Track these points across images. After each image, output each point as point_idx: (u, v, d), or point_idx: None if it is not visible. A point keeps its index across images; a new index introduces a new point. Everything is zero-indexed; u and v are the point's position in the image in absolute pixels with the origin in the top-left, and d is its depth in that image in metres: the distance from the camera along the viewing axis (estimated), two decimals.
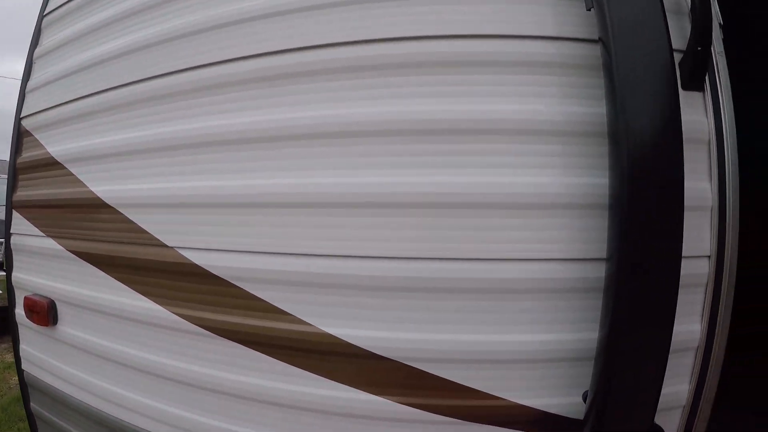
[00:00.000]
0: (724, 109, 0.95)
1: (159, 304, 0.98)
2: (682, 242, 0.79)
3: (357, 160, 0.84)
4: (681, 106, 0.93)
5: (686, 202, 0.90)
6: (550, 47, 0.91)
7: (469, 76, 0.88)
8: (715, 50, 0.97)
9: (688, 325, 0.93)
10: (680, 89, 0.94)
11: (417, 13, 0.87)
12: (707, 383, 0.95)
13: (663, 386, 0.93)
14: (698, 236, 0.92)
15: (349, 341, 0.84)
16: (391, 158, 0.85)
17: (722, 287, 0.92)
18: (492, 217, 0.86)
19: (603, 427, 0.79)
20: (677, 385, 0.95)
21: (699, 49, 0.91)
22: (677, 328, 0.92)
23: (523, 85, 0.89)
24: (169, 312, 0.96)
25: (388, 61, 0.85)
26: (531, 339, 0.86)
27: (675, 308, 0.80)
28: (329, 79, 0.84)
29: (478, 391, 0.84)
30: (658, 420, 0.94)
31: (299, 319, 0.86)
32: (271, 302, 0.87)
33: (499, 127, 0.87)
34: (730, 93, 0.96)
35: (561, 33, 0.91)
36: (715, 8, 1.01)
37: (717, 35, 0.98)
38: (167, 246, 0.96)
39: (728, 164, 0.93)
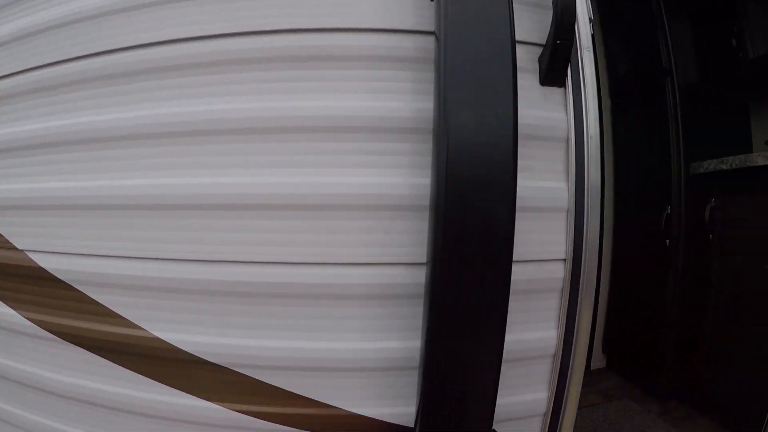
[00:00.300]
0: (586, 107, 0.90)
1: (15, 309, 0.97)
2: (511, 246, 0.75)
3: (185, 161, 0.81)
4: (538, 101, 0.90)
5: (540, 203, 0.88)
6: (403, 41, 0.87)
7: (310, 72, 0.84)
8: (581, 45, 0.93)
9: (544, 332, 0.90)
10: (539, 84, 0.91)
11: (254, 8, 0.84)
12: (568, 390, 0.93)
13: (521, 394, 0.92)
14: (552, 239, 0.89)
15: (179, 346, 0.82)
16: (223, 158, 0.82)
17: (579, 291, 0.89)
18: (330, 219, 0.83)
19: None
20: (535, 393, 0.92)
21: (558, 42, 0.87)
22: (531, 334, 0.90)
23: (370, 80, 0.86)
24: (22, 317, 0.95)
25: (220, 58, 0.82)
26: (370, 347, 0.83)
27: (505, 314, 0.76)
28: (155, 78, 0.82)
29: (311, 399, 0.82)
30: (518, 428, 0.93)
31: (132, 323, 0.84)
32: (107, 306, 0.86)
33: (340, 125, 0.84)
34: (595, 90, 0.92)
35: (415, 26, 0.87)
36: (586, 2, 0.96)
37: (586, 30, 0.94)
38: (18, 249, 0.95)
39: (587, 164, 0.89)
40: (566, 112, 0.89)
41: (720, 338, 1.73)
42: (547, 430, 0.93)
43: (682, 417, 1.76)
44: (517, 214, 0.85)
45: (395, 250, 0.83)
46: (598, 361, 2.24)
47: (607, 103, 2.25)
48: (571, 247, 0.87)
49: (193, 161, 0.82)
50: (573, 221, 0.87)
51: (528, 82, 0.89)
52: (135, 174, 0.84)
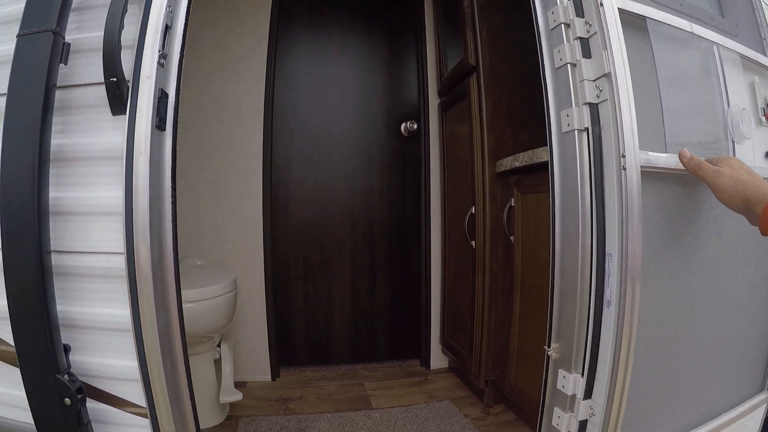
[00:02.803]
0: (138, 129, 1.09)
1: None
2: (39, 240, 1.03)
3: None
4: (110, 130, 1.14)
5: (102, 209, 1.12)
6: None
7: None
8: (142, 75, 1.11)
9: (120, 310, 1.12)
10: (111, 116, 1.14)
11: None
12: (148, 360, 1.11)
13: (117, 359, 1.15)
14: (112, 236, 1.11)
15: None
16: None
17: (137, 279, 1.08)
18: None
19: None
20: (127, 360, 1.14)
21: (110, 80, 1.09)
22: (111, 311, 1.14)
23: None
24: None
25: None
26: None
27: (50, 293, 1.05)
28: None
29: None
30: (119, 389, 1.16)
31: None
32: None
33: None
34: (151, 114, 1.10)
35: None
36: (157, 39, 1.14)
37: (151, 60, 1.12)
38: None
39: (135, 176, 1.08)
40: (125, 135, 1.10)
41: (525, 340, 1.55)
42: (144, 393, 1.14)
43: (501, 423, 1.61)
44: (85, 216, 1.12)
45: None
46: (440, 361, 2.10)
47: (435, 101, 2.17)
48: (125, 244, 1.09)
49: None
50: (125, 223, 1.09)
51: (105, 115, 1.14)
52: None
